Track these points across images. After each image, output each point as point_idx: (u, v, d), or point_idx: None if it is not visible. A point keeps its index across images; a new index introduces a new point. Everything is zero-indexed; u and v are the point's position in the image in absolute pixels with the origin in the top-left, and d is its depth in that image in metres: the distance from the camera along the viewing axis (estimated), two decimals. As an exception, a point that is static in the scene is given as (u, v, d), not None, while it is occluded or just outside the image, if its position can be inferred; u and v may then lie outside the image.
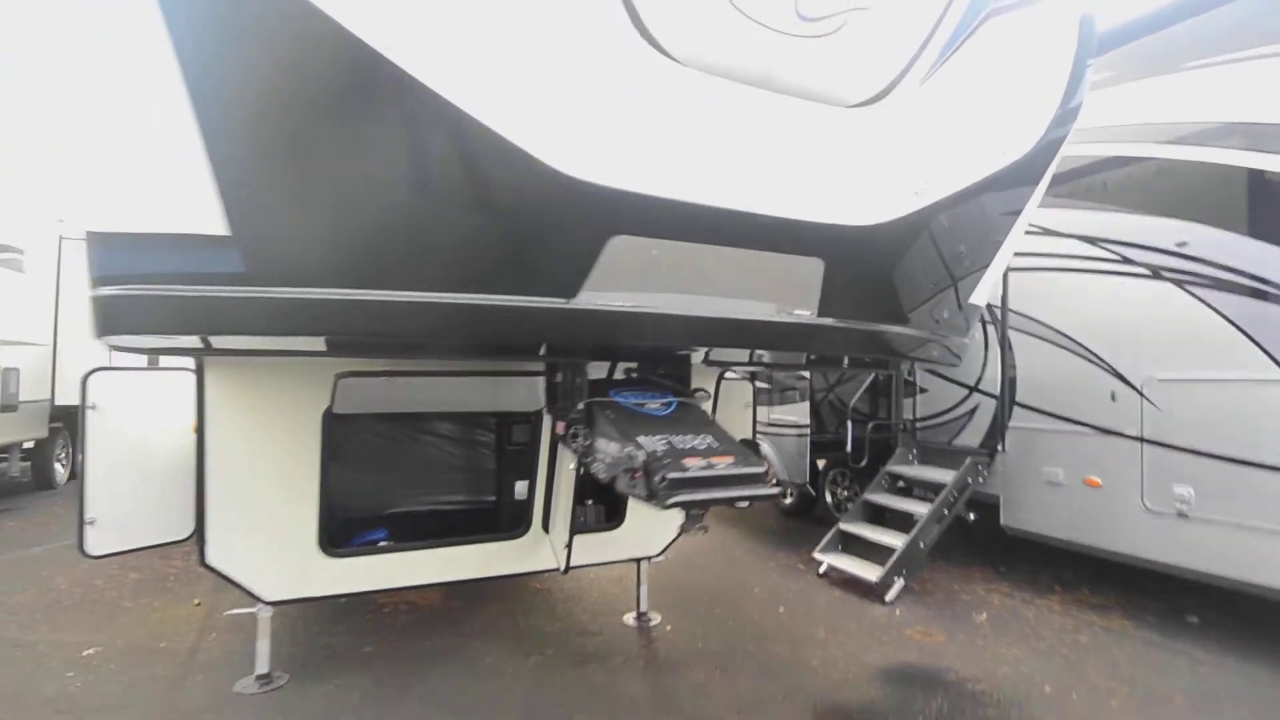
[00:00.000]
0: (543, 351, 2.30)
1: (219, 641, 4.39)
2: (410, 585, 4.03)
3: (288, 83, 1.42)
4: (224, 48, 1.36)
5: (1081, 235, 5.15)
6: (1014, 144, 2.25)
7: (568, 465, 3.91)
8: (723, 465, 1.94)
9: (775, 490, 2.09)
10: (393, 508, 4.42)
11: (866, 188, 1.99)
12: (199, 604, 5.10)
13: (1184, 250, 4.58)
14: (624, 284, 1.80)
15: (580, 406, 2.28)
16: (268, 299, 1.57)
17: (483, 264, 1.69)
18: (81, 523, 3.27)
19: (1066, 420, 5.24)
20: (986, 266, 2.56)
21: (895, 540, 5.43)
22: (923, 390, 6.49)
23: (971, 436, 5.98)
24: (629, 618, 4.84)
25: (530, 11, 1.47)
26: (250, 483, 3.48)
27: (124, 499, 3.40)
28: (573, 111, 1.56)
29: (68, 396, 10.24)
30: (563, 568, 3.95)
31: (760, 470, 2.03)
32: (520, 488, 4.42)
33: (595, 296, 1.77)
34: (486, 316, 1.73)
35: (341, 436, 3.65)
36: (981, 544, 6.55)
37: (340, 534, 3.93)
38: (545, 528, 4.25)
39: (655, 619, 4.80)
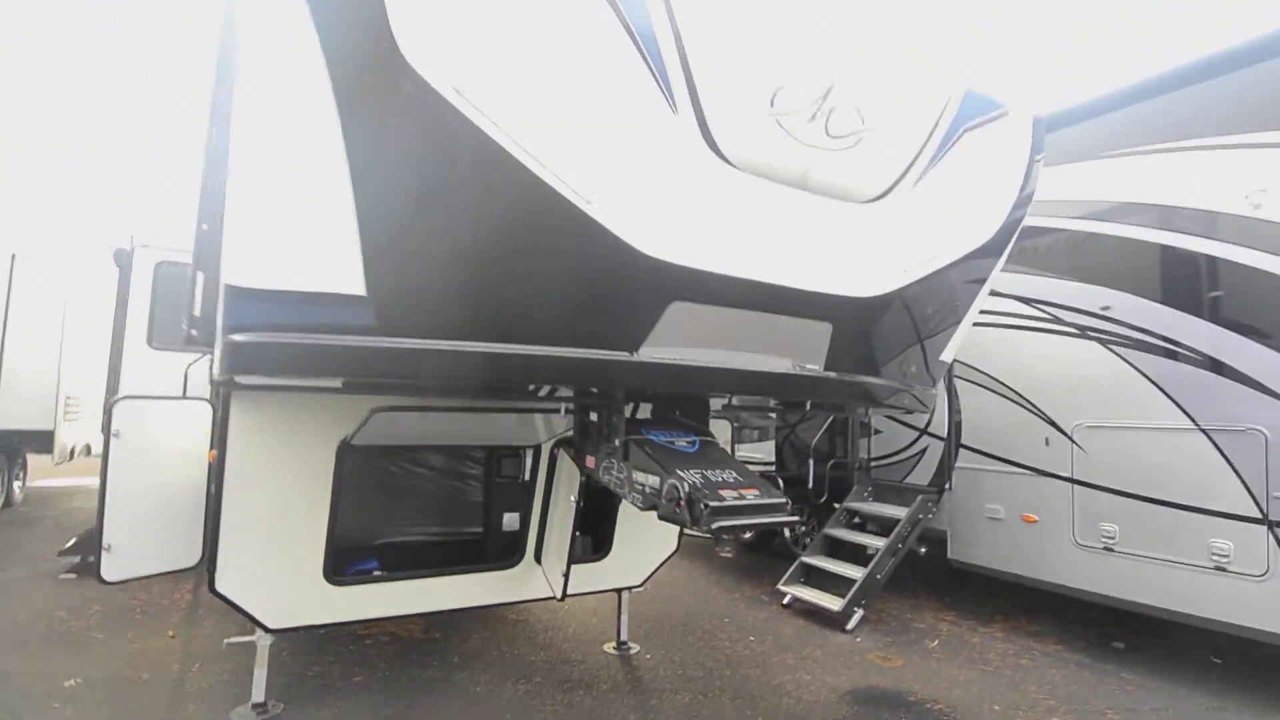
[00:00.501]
0: (594, 393, 2.58)
1: (204, 672, 4.39)
2: (409, 614, 4.17)
3: (431, 172, 1.70)
4: (385, 141, 1.64)
5: (1019, 296, 5.77)
6: (982, 228, 2.70)
7: (567, 497, 4.17)
8: (751, 496, 2.26)
9: (794, 518, 2.42)
10: (382, 538, 4.54)
11: (868, 266, 2.39)
12: (173, 635, 5.06)
13: (1107, 313, 5.21)
14: (676, 341, 2.13)
15: (617, 443, 2.57)
16: (393, 348, 1.83)
17: (569, 322, 1.99)
18: (99, 549, 3.33)
19: (1006, 462, 5.78)
20: (955, 328, 3.00)
21: (854, 572, 5.82)
22: (877, 432, 7.00)
23: (922, 475, 6.47)
24: (609, 646, 5.05)
25: (628, 128, 1.81)
26: (264, 511, 3.59)
27: (138, 526, 3.48)
28: (654, 203, 1.90)
29: (11, 420, 9.83)
30: (559, 595, 4.16)
31: (782, 501, 2.36)
32: (510, 519, 4.63)
33: (653, 351, 2.10)
34: (564, 365, 2.03)
35: (351, 468, 3.80)
36: (929, 575, 7.01)
37: (335, 563, 4.05)
38: (538, 558, 4.46)
39: (635, 648, 5.03)
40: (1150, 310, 4.99)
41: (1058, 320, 5.50)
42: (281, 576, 3.73)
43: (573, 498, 4.03)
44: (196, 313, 2.47)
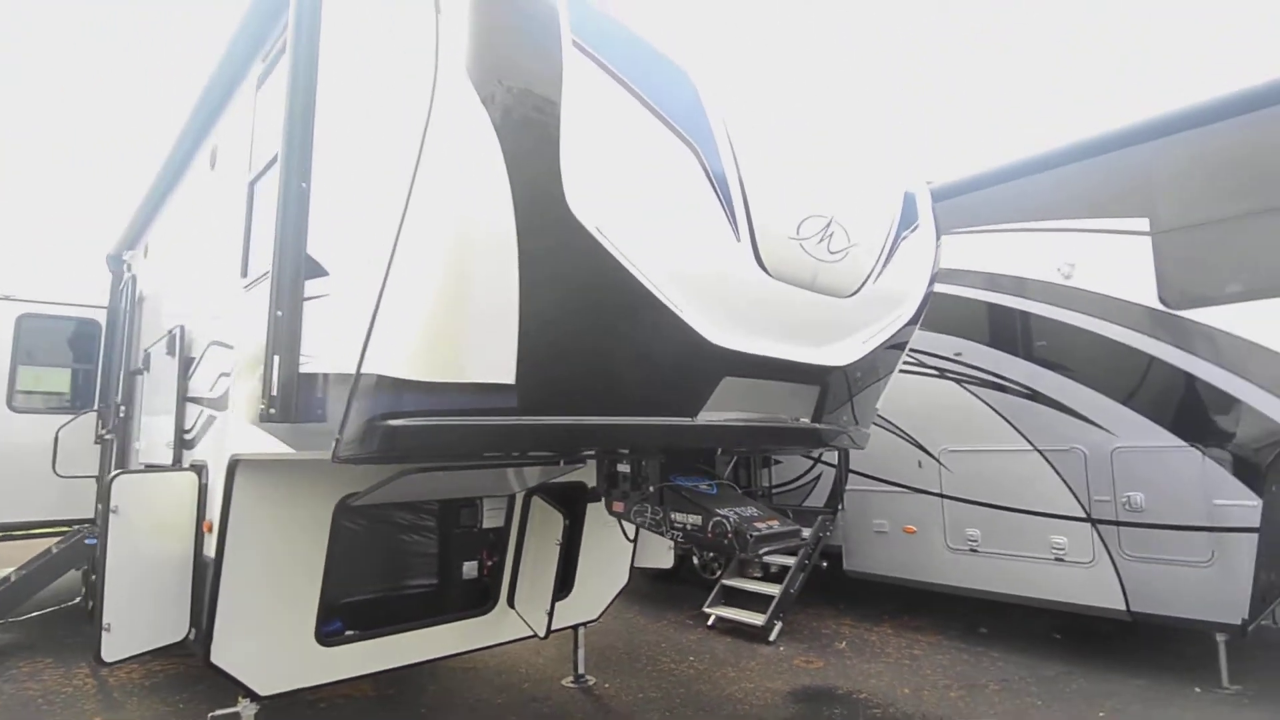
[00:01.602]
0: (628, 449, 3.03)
1: (162, 754, 4.22)
2: (395, 667, 4.26)
3: (574, 286, 2.13)
4: (546, 263, 2.04)
5: (892, 343, 6.90)
6: (910, 304, 3.52)
7: (542, 542, 4.53)
8: (776, 525, 2.83)
9: (805, 541, 3.01)
10: (364, 594, 4.58)
11: (844, 342, 3.09)
12: (98, 723, 4.74)
13: (959, 358, 6.42)
14: (721, 407, 2.68)
15: (651, 489, 3.04)
16: (532, 426, 2.22)
17: (653, 397, 2.48)
18: (99, 629, 3.25)
19: (888, 483, 6.82)
20: (887, 380, 3.80)
21: (771, 590, 6.57)
22: (776, 462, 7.89)
23: (818, 499, 7.40)
24: (567, 681, 5.38)
25: (707, 253, 2.38)
26: (261, 578, 3.63)
27: (134, 603, 3.41)
28: (720, 305, 2.45)
29: None
30: (543, 633, 4.47)
31: (797, 527, 2.96)
32: (469, 567, 4.86)
33: (707, 416, 2.64)
34: (647, 430, 2.51)
35: (343, 528, 3.91)
36: (822, 587, 7.94)
37: (325, 623, 4.11)
38: (510, 602, 4.73)
39: (592, 680, 5.40)
40: (992, 355, 6.24)
41: (922, 364, 6.65)
42: (275, 642, 3.74)
43: (556, 541, 4.40)
44: (274, 393, 2.66)
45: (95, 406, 7.54)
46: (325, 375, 2.53)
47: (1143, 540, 5.15)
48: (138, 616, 3.44)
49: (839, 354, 3.08)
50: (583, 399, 2.35)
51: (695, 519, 2.84)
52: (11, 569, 6.94)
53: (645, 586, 9.03)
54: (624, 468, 3.18)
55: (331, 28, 2.77)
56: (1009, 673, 5.43)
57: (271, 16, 3.49)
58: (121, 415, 6.13)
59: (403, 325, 2.11)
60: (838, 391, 3.24)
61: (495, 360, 2.11)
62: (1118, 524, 5.29)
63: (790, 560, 6.74)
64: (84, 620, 7.47)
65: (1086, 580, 5.40)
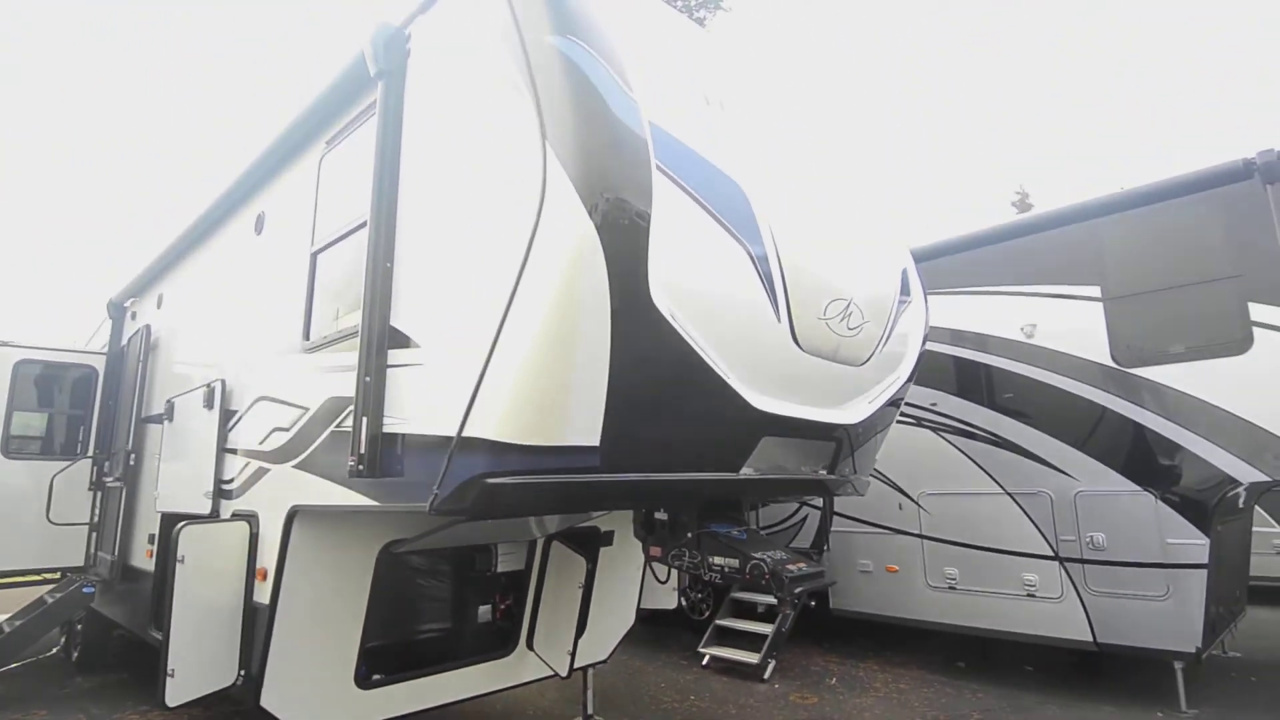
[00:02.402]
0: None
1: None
2: (425, 708, 4.44)
3: (651, 360, 2.52)
4: (630, 342, 2.43)
5: (872, 393, 7.41)
6: (907, 365, 3.99)
7: (573, 584, 4.80)
8: (805, 567, 3.19)
9: (832, 582, 3.36)
10: (380, 641, 4.77)
11: (856, 404, 3.53)
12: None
13: (935, 408, 6.95)
14: (758, 463, 3.07)
15: (689, 535, 3.38)
16: (610, 481, 2.56)
17: (705, 454, 2.86)
18: (163, 674, 3.42)
19: (871, 524, 7.26)
20: (886, 433, 4.25)
21: (764, 629, 6.89)
22: (764, 505, 8.27)
23: (804, 540, 7.78)
24: (578, 721, 5.58)
25: (754, 332, 2.81)
26: (310, 623, 3.83)
27: (193, 649, 3.59)
28: (761, 374, 2.86)
29: None
30: (565, 673, 4.71)
31: (823, 569, 3.32)
32: (483, 611, 5.08)
33: (746, 470, 3.02)
34: (699, 483, 2.89)
35: (384, 574, 4.13)
36: (807, 626, 8.26)
37: (364, 667, 4.29)
38: (529, 644, 4.96)
39: (600, 719, 5.61)
40: (965, 406, 6.79)
41: (903, 413, 7.15)
42: (319, 685, 3.93)
43: (578, 584, 4.68)
44: (362, 450, 2.96)
45: (90, 453, 7.55)
46: (415, 436, 2.85)
47: (1106, 576, 5.66)
48: (197, 662, 3.61)
49: (852, 414, 3.51)
50: (652, 457, 2.72)
51: (733, 562, 3.19)
52: (3, 618, 6.86)
53: (635, 628, 9.21)
54: (661, 516, 3.53)
55: (418, 134, 3.16)
56: (989, 704, 5.83)
57: (340, 105, 3.86)
58: (132, 463, 6.22)
59: (507, 395, 2.46)
60: (849, 446, 3.67)
61: (584, 425, 2.47)
62: (1083, 561, 5.80)
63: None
64: (65, 670, 7.36)
65: (1056, 614, 5.87)
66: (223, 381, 4.67)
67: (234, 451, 4.51)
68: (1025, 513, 6.20)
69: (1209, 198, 5.41)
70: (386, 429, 3.00)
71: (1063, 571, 5.89)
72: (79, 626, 7.48)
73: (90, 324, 9.76)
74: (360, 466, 2.95)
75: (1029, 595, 6.06)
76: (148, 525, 5.71)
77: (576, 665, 5.35)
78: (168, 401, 5.50)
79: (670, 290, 2.52)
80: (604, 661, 5.59)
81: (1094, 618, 5.69)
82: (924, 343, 4.24)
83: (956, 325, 6.84)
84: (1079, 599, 5.78)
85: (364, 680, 4.13)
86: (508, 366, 2.46)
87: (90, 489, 7.37)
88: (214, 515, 4.46)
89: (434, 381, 2.82)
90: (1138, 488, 5.57)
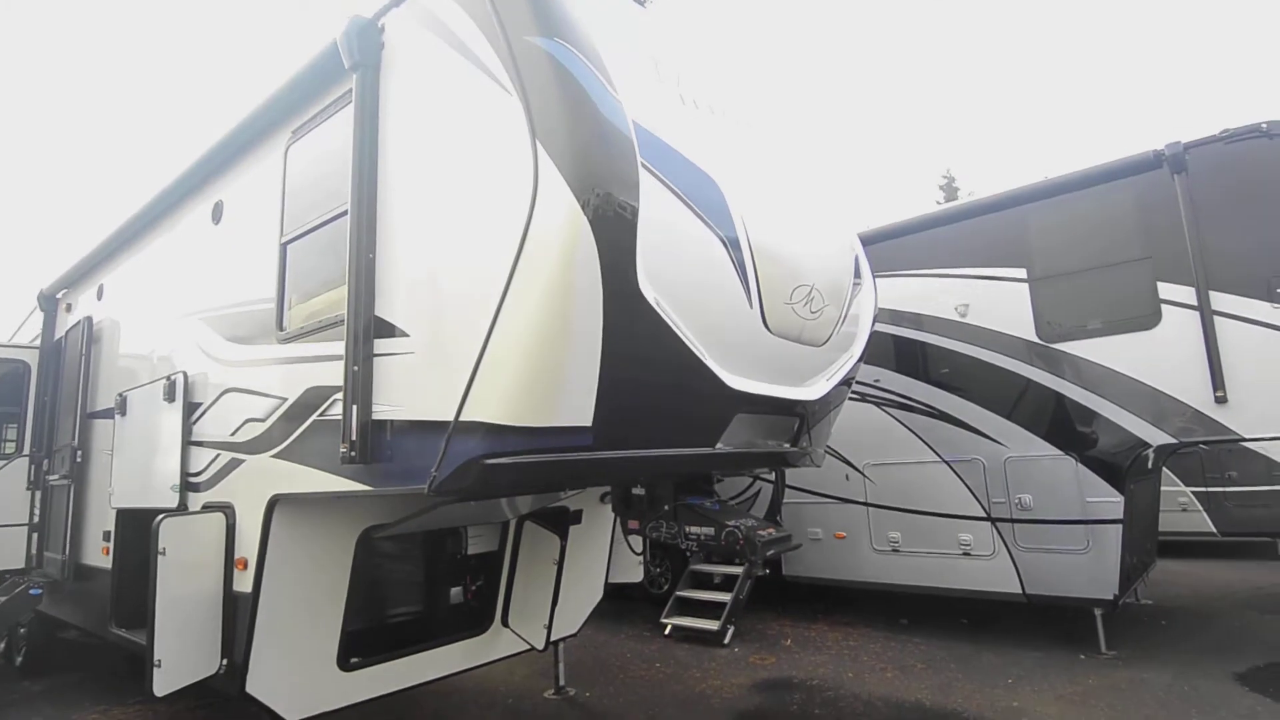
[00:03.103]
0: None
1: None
2: (405, 688, 4.55)
3: (637, 343, 2.69)
4: (619, 327, 2.59)
5: (819, 371, 7.79)
6: (859, 344, 4.29)
7: (547, 561, 4.97)
8: (775, 532, 3.45)
9: (798, 545, 3.64)
10: (359, 624, 4.83)
11: (817, 382, 3.79)
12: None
13: (878, 384, 7.38)
14: (731, 438, 3.30)
15: (667, 508, 3.59)
16: (602, 459, 2.73)
17: (684, 431, 3.07)
18: (150, 665, 3.44)
19: (820, 494, 7.66)
20: (840, 408, 4.55)
21: (722, 597, 7.22)
22: (718, 480, 8.58)
23: (758, 511, 8.13)
24: (549, 693, 5.78)
25: (729, 316, 3.01)
26: (292, 609, 3.89)
27: (177, 639, 3.61)
28: (735, 356, 3.07)
29: None
30: (541, 646, 4.89)
31: (790, 533, 3.59)
32: (455, 593, 5.21)
33: (721, 445, 3.25)
34: (679, 458, 3.09)
35: (363, 558, 4.20)
36: (761, 593, 8.68)
37: (345, 649, 4.36)
38: (504, 621, 5.12)
39: (572, 690, 5.83)
40: (904, 382, 7.23)
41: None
42: (302, 669, 4.00)
43: (552, 561, 4.86)
44: (353, 438, 3.04)
45: (27, 451, 7.24)
46: (406, 422, 2.96)
47: (1033, 534, 6.19)
48: (181, 651, 3.63)
49: (813, 390, 3.78)
50: (639, 435, 2.91)
51: (709, 530, 3.44)
52: (-64, 627, 6.57)
53: (599, 605, 9.46)
54: (639, 491, 3.74)
55: (396, 128, 3.22)
56: (931, 654, 6.31)
57: (306, 95, 3.86)
58: (79, 460, 6.03)
59: (504, 381, 2.60)
60: (809, 420, 3.95)
61: (577, 407, 2.63)
62: (1013, 521, 6.33)
63: (738, 570, 7.42)
64: (8, 675, 7.11)
65: (989, 570, 6.39)
66: (184, 374, 4.61)
67: (200, 444, 4.48)
68: (960, 478, 6.69)
69: (1123, 186, 5.92)
70: (376, 416, 3.10)
71: (994, 531, 6.40)
72: (22, 630, 7.22)
73: (17, 316, 9.26)
74: (352, 453, 3.04)
75: (965, 554, 6.57)
76: (101, 522, 5.57)
77: (555, 637, 5.55)
78: (119, 395, 5.36)
79: (656, 279, 2.70)
80: (574, 635, 5.79)
81: (1023, 572, 6.22)
82: (873, 323, 4.56)
83: (896, 306, 7.26)
84: (1009, 555, 6.31)
85: (346, 663, 4.21)
86: (504, 353, 2.60)
87: (28, 488, 7.09)
88: (182, 508, 4.43)
89: (425, 369, 2.92)
90: (1060, 452, 6.10)
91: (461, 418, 2.68)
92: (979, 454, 6.61)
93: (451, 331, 2.83)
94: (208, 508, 4.22)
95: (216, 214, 4.67)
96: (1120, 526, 5.77)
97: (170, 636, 3.57)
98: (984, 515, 6.51)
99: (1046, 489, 6.17)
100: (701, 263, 2.92)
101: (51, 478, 6.61)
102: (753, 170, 3.47)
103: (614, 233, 2.55)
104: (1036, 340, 6.32)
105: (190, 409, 4.57)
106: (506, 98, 2.70)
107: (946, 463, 6.81)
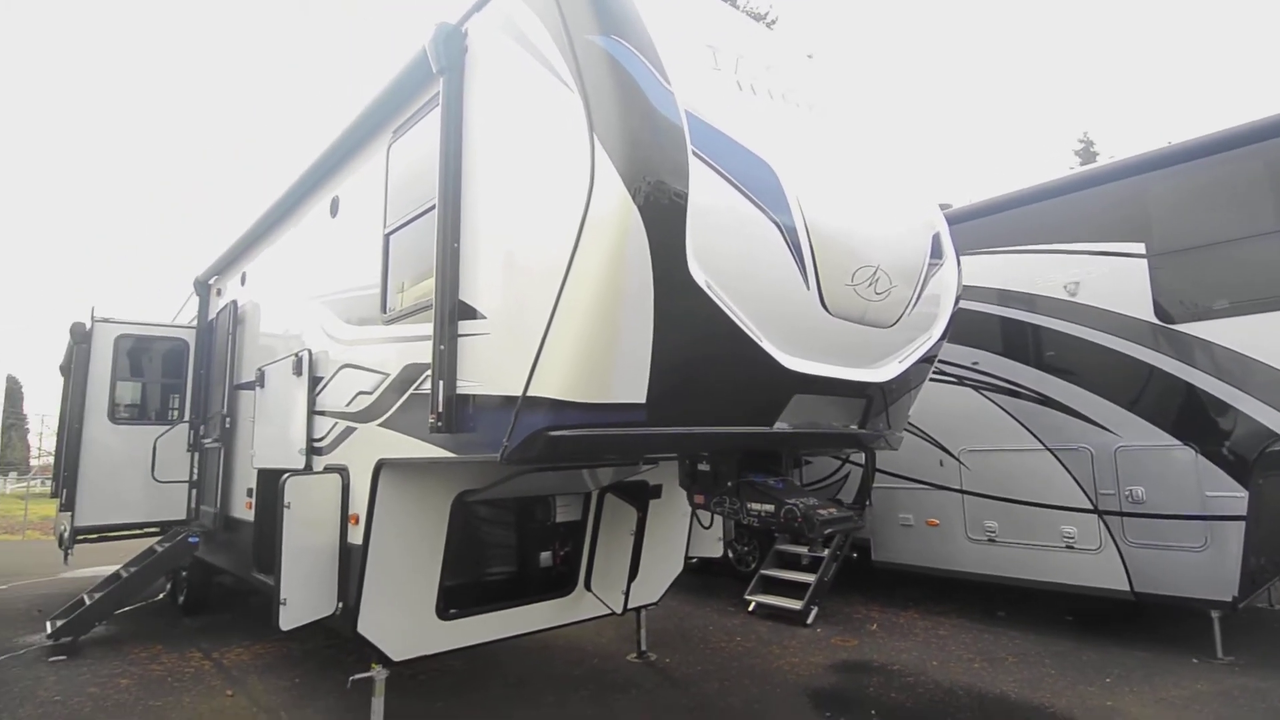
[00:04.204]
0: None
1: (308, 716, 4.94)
2: (497, 639, 4.96)
3: (689, 325, 2.84)
4: (671, 309, 2.74)
5: (914, 353, 7.56)
6: (939, 324, 4.19)
7: (625, 532, 5.23)
8: (835, 511, 3.51)
9: (861, 525, 3.67)
10: (456, 579, 5.28)
11: (885, 363, 3.78)
12: (231, 694, 5.46)
13: (977, 366, 7.08)
14: (790, 418, 3.38)
15: (729, 484, 3.73)
16: (656, 434, 2.93)
17: (741, 410, 3.20)
18: (277, 603, 3.98)
19: (912, 480, 7.48)
20: (919, 390, 4.48)
21: (807, 578, 7.25)
22: (807, 462, 8.56)
23: (847, 495, 8.06)
24: (632, 657, 6.07)
25: (784, 299, 3.09)
26: (397, 561, 4.33)
27: (300, 582, 4.14)
28: (792, 337, 3.15)
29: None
30: (620, 611, 5.18)
31: (852, 514, 3.64)
32: (545, 557, 5.56)
33: (780, 424, 3.34)
34: (736, 436, 3.24)
35: (458, 519, 4.60)
36: (850, 576, 8.60)
37: (442, 600, 4.80)
38: (588, 585, 5.43)
39: (653, 655, 6.09)
40: (1005, 364, 6.89)
41: (942, 372, 7.30)
42: (405, 616, 4.45)
43: (629, 531, 5.10)
44: (440, 410, 3.39)
45: (186, 418, 8.32)
46: (484, 396, 3.25)
47: (1144, 528, 5.79)
48: (304, 593, 4.16)
49: (882, 372, 3.77)
50: (690, 412, 3.06)
51: (769, 507, 3.52)
52: (119, 566, 7.75)
53: (686, 578, 9.68)
54: (704, 467, 3.88)
55: (477, 126, 3.49)
56: (1025, 648, 6.08)
57: (405, 98, 4.22)
58: (228, 426, 6.89)
59: (563, 360, 2.82)
60: (879, 403, 3.93)
61: (632, 384, 2.82)
62: (1122, 514, 5.94)
63: (824, 552, 7.41)
64: (175, 613, 8.26)
65: (1094, 565, 6.04)
66: (309, 351, 5.18)
67: (323, 413, 5.04)
68: (1065, 467, 6.33)
69: (1256, 151, 5.35)
70: (460, 391, 3.42)
71: (1101, 524, 6.04)
72: (184, 574, 8.37)
73: (176, 300, 10.59)
74: (439, 424, 3.38)
75: (1067, 547, 6.24)
76: (245, 480, 6.37)
77: (630, 606, 5.82)
78: (258, 370, 6.08)
79: (706, 263, 2.82)
80: (655, 604, 6.04)
81: (1131, 568, 5.84)
82: (956, 303, 4.43)
83: (998, 284, 6.92)
84: (1117, 550, 5.94)
85: (444, 613, 4.64)
86: (564, 334, 2.81)
87: (188, 450, 8.16)
88: (308, 469, 5.02)
89: (500, 348, 3.20)
90: (1178, 442, 5.66)
91: (529, 393, 2.93)
92: (1087, 442, 6.23)
93: (521, 314, 3.08)
94: (328, 469, 4.76)
95: (334, 208, 5.19)
96: (1243, 524, 5.29)
97: (293, 579, 4.09)
98: (1090, 507, 6.15)
99: (1161, 481, 5.74)
100: (755, 246, 3.00)
101: (206, 441, 7.58)
102: (814, 153, 3.49)
103: (664, 219, 2.69)
104: (1155, 321, 5.86)
105: (314, 382, 5.14)
106: (569, 94, 2.90)
107: (1050, 450, 6.47)
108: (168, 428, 8.25)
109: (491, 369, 3.25)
